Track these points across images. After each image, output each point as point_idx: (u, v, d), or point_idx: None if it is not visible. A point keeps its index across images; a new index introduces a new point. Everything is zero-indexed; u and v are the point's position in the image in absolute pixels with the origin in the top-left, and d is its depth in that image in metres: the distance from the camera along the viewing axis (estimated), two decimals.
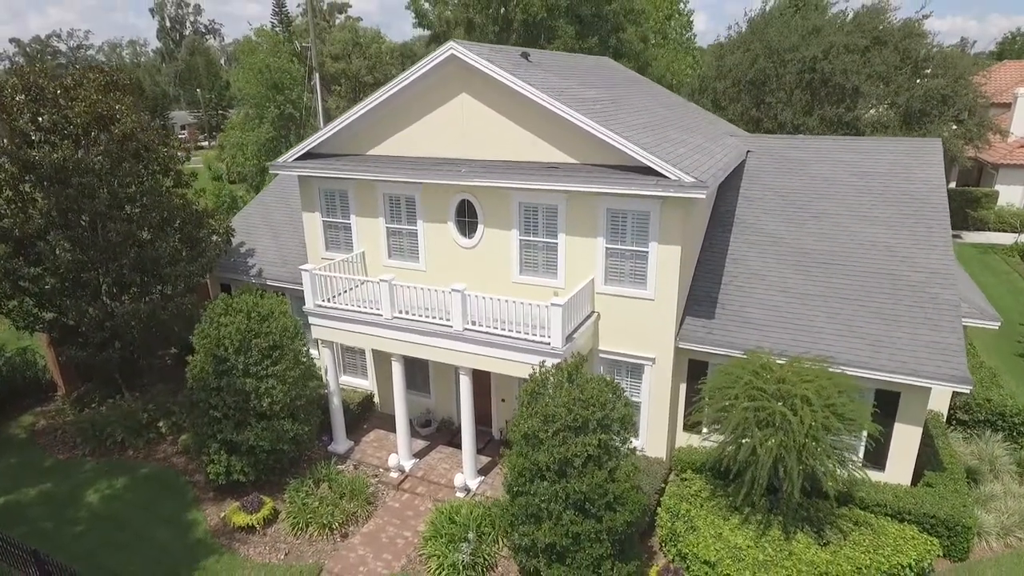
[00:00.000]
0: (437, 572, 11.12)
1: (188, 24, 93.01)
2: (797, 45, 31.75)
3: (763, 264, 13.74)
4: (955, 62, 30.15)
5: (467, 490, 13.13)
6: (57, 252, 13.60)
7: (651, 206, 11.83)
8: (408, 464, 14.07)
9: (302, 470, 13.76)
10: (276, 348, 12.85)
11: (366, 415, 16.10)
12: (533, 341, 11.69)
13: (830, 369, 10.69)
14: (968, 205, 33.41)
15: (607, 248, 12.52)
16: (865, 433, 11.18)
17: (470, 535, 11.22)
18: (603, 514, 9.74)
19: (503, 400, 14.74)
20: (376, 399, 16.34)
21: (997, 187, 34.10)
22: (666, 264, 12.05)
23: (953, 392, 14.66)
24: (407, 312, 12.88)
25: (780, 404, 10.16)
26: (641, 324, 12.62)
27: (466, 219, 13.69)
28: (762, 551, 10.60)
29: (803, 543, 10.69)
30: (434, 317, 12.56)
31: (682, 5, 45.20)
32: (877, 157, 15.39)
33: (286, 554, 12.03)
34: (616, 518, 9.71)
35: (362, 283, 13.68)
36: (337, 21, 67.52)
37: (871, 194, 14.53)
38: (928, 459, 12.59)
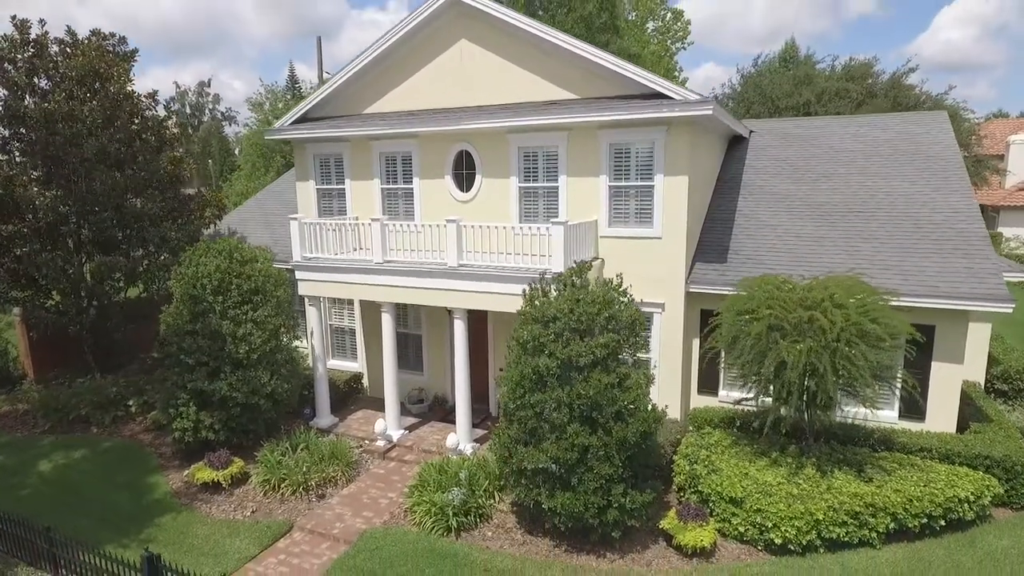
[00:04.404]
0: (423, 518, 9.70)
1: (207, 111, 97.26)
2: (790, 92, 32.63)
3: (774, 216, 13.11)
4: (945, 109, 30.82)
5: (460, 454, 11.79)
6: (36, 203, 13.04)
7: (655, 136, 11.36)
8: (396, 434, 12.77)
9: (279, 438, 12.44)
10: (257, 292, 12.01)
11: (354, 396, 14.90)
12: (533, 270, 10.86)
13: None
14: None
15: (611, 187, 11.94)
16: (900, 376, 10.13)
17: (462, 474, 9.88)
18: (612, 425, 8.55)
19: (501, 370, 13.60)
20: (365, 381, 15.18)
21: (1000, 229, 33.87)
22: (673, 197, 11.41)
23: (988, 362, 13.60)
24: (398, 251, 12.14)
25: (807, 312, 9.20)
26: (648, 266, 11.79)
27: (464, 171, 13.22)
28: (796, 487, 9.24)
29: (842, 479, 9.34)
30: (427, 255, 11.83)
31: (678, 73, 47.08)
32: (883, 128, 15.13)
33: (253, 511, 10.59)
34: (627, 429, 8.50)
35: (353, 226, 12.76)
36: None
37: (881, 156, 14.13)
38: (971, 415, 11.36)
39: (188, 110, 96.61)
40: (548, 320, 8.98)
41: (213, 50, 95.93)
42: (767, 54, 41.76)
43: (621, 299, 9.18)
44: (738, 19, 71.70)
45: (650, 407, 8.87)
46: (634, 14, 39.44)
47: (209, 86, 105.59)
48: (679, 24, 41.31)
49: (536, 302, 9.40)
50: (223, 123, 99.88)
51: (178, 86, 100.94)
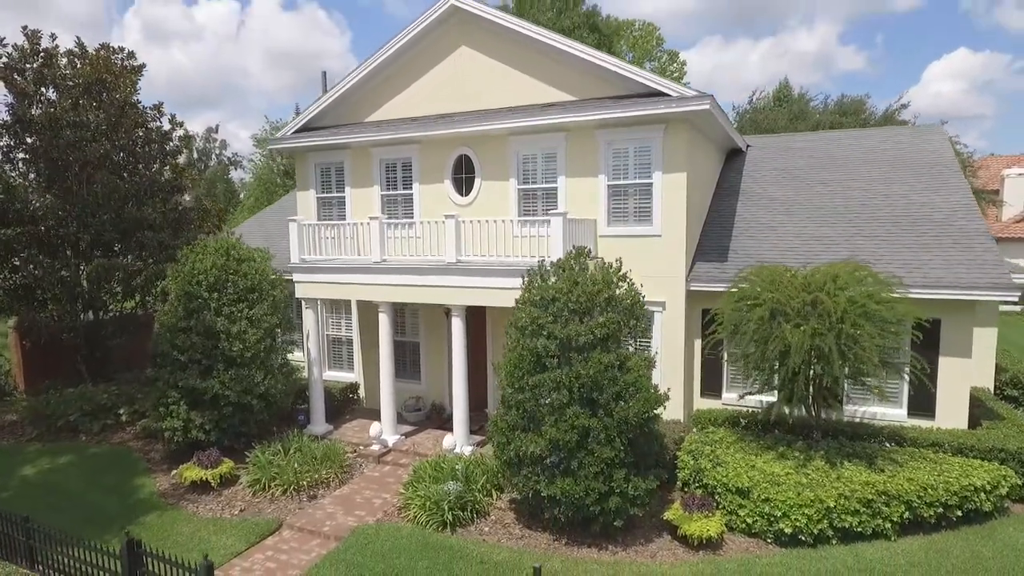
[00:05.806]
0: (418, 513, 9.31)
1: (214, 156, 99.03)
2: (786, 127, 33.20)
3: (773, 218, 13.11)
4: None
5: (457, 455, 11.42)
6: (36, 204, 13.07)
7: (654, 134, 11.44)
8: (392, 439, 12.43)
9: (271, 440, 12.09)
10: (253, 291, 11.89)
11: (349, 406, 14.59)
12: (532, 264, 10.73)
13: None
14: None
15: (609, 186, 11.96)
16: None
17: (458, 467, 9.54)
18: (613, 406, 8.30)
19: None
20: (361, 392, 14.89)
21: None
22: (672, 194, 11.41)
23: (995, 370, 13.37)
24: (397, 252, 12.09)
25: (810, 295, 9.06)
26: (648, 264, 11.67)
27: (463, 175, 13.28)
28: (804, 476, 8.90)
29: (852, 470, 9.00)
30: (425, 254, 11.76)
31: None
32: (882, 139, 15.30)
33: (241, 510, 10.20)
34: (628, 409, 8.25)
35: (352, 226, 12.67)
36: None
37: (879, 164, 14.21)
38: (982, 414, 11.08)
39: (195, 155, 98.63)
40: (547, 302, 8.84)
41: (221, 103, 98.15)
42: (762, 91, 42.73)
43: (620, 283, 9.05)
44: (731, 72, 73.66)
45: (652, 389, 8.63)
46: (632, 55, 40.53)
47: (216, 132, 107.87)
48: (675, 65, 42.37)
49: (535, 286, 9.27)
50: (229, 167, 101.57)
51: (187, 131, 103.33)
